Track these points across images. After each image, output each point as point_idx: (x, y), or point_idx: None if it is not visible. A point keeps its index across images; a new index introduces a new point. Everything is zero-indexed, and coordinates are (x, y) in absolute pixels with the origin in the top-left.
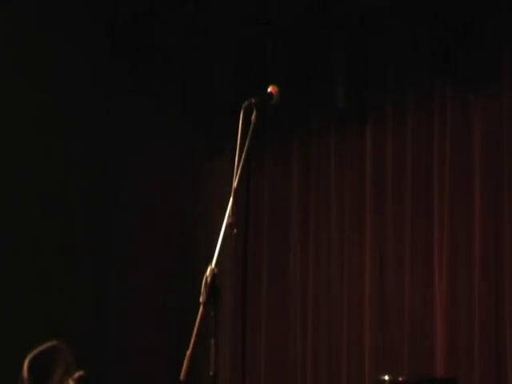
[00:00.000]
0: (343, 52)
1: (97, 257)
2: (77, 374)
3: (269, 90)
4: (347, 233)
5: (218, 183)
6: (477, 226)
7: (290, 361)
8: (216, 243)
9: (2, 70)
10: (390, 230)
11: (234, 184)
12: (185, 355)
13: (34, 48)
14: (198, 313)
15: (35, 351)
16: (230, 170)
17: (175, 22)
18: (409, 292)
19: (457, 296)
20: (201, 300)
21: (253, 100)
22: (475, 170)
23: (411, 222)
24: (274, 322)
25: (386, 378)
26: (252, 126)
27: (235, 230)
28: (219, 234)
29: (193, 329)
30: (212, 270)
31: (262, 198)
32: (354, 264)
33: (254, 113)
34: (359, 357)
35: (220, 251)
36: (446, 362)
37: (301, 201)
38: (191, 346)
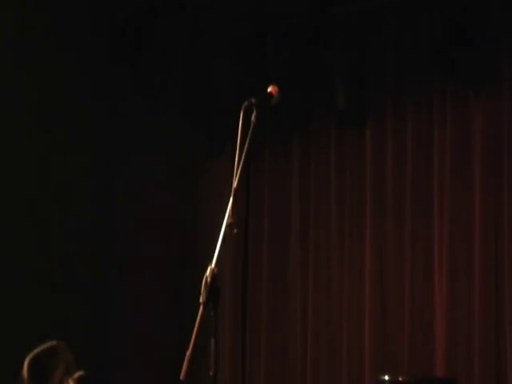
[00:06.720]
0: (343, 52)
1: (97, 257)
2: (77, 374)
3: (269, 89)
4: (347, 233)
5: (218, 183)
6: (477, 226)
7: (290, 361)
8: (216, 243)
9: (1, 72)
10: (390, 229)
11: (234, 184)
12: (185, 355)
13: (33, 48)
14: (198, 313)
15: (35, 351)
16: (230, 169)
17: (175, 21)
18: (409, 292)
19: (457, 296)
20: (201, 300)
21: (253, 100)
22: (475, 169)
23: (411, 221)
24: (274, 322)
25: (386, 378)
26: (252, 126)
27: (235, 230)
28: (219, 234)
29: (193, 329)
30: (212, 270)
31: (262, 198)
32: (354, 264)
33: (254, 113)
34: (359, 357)
35: (220, 251)
36: (446, 362)
37: (301, 201)
38: (191, 346)
